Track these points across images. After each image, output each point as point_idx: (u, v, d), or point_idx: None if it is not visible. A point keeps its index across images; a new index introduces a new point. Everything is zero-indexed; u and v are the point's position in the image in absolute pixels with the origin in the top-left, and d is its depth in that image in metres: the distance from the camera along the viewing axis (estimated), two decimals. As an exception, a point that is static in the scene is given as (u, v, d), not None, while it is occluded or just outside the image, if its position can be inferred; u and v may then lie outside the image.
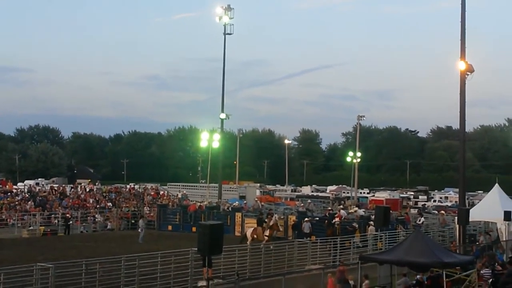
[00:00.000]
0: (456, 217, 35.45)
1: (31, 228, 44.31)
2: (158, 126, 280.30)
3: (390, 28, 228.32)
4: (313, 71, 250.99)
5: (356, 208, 46.62)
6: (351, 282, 22.94)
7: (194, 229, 41.99)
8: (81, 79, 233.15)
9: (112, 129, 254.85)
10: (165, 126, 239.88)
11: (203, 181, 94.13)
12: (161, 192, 63.19)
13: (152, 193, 60.59)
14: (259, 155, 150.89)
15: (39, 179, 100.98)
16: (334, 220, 39.25)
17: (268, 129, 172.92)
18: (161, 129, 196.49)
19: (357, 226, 37.88)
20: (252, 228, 35.47)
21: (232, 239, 35.87)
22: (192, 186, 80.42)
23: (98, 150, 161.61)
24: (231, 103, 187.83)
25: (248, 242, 32.88)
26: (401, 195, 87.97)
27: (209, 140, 66.13)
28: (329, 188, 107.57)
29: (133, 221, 48.11)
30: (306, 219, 39.46)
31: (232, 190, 75.65)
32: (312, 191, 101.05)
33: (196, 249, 21.21)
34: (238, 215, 44.89)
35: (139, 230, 40.93)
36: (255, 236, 34.20)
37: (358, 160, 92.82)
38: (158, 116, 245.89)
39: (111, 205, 53.58)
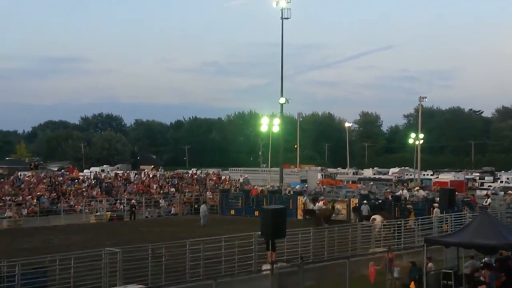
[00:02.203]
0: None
1: (98, 213, 45.40)
2: (218, 111, 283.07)
3: (450, 5, 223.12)
4: (372, 53, 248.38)
5: (418, 188, 45.96)
6: (397, 269, 22.56)
7: (256, 213, 42.24)
8: (140, 67, 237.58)
9: (172, 115, 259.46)
10: (224, 111, 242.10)
11: (264, 166, 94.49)
12: (223, 177, 63.67)
13: (214, 178, 61.10)
14: (320, 139, 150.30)
15: (104, 166, 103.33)
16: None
17: (328, 112, 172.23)
18: (221, 114, 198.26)
19: (412, 208, 37.37)
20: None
21: (295, 222, 35.90)
22: (253, 170, 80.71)
23: (160, 137, 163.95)
24: (290, 87, 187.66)
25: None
26: (466, 177, 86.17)
27: (269, 125, 66.32)
28: (392, 170, 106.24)
29: (196, 206, 48.71)
30: (365, 201, 39.18)
31: (294, 174, 75.60)
32: (374, 174, 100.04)
33: (260, 233, 21.38)
34: (300, 199, 44.84)
35: (201, 215, 41.51)
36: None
37: (421, 141, 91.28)
38: (217, 101, 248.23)
39: (174, 190, 54.33)
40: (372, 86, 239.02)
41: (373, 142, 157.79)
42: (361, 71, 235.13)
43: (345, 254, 25.54)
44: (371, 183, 63.46)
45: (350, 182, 79.34)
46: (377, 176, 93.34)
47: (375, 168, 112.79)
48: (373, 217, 33.17)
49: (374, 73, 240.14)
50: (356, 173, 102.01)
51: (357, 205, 40.49)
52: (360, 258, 24.87)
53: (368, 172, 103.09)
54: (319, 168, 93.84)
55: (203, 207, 42.58)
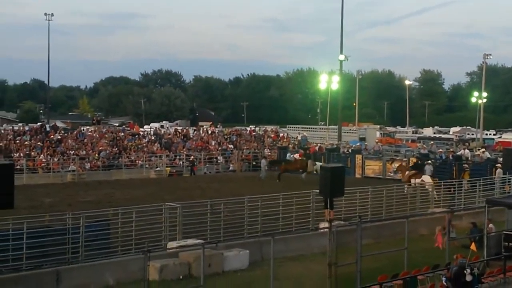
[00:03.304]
0: None
1: (158, 169, 46.18)
2: (277, 68, 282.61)
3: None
4: (434, 9, 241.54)
5: (483, 150, 44.99)
6: (452, 230, 22.15)
7: (314, 171, 42.36)
8: (199, 23, 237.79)
9: (231, 72, 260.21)
10: (283, 68, 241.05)
11: (322, 123, 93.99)
12: (281, 134, 63.68)
13: (272, 135, 61.15)
14: (379, 96, 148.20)
15: (164, 121, 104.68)
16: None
17: (388, 70, 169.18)
18: (280, 71, 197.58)
19: (467, 168, 36.67)
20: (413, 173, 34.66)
21: (353, 181, 35.80)
22: (311, 128, 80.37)
23: (218, 93, 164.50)
24: (349, 44, 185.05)
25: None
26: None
27: (328, 82, 65.79)
28: (452, 129, 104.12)
29: (254, 163, 49.15)
30: (428, 161, 38.58)
31: (352, 132, 75.01)
32: (435, 133, 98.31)
33: (318, 191, 21.36)
34: (358, 157, 44.58)
35: (262, 170, 42.36)
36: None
37: (484, 100, 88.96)
38: (276, 58, 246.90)
39: (233, 147, 54.67)
40: (434, 43, 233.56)
41: (434, 101, 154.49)
42: (423, 28, 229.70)
43: (403, 213, 25.37)
44: (431, 142, 62.48)
45: (410, 141, 78.30)
46: (437, 135, 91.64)
47: (436, 127, 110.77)
48: (422, 177, 32.93)
49: (437, 30, 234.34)
50: (416, 132, 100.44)
51: (416, 164, 39.86)
52: (418, 218, 24.66)
53: (428, 131, 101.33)
54: (378, 126, 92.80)
55: (263, 162, 43.81)
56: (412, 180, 33.35)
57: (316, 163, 40.56)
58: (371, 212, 26.19)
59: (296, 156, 40.61)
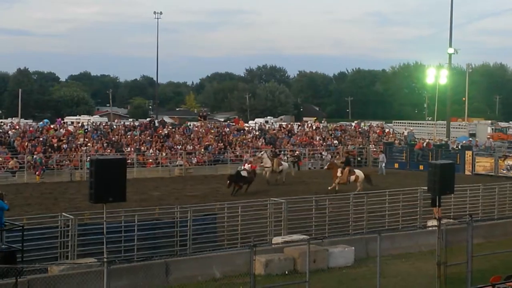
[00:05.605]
0: None
1: (262, 164, 46.38)
2: (382, 63, 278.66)
3: None
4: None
5: None
6: None
7: (421, 167, 41.56)
8: (303, 19, 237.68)
9: (335, 67, 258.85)
10: (388, 62, 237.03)
11: (429, 118, 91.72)
12: (387, 130, 62.60)
13: (378, 131, 60.24)
14: (490, 91, 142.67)
15: (268, 117, 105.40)
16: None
17: (500, 62, 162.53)
18: (385, 66, 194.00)
19: None
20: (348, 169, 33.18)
21: (463, 178, 34.68)
22: (418, 123, 78.54)
23: (322, 89, 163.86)
24: (458, 37, 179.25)
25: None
26: None
27: (436, 76, 64.03)
28: None
29: (359, 159, 48.59)
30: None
31: (461, 128, 72.71)
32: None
33: (426, 188, 20.84)
34: (468, 153, 43.17)
35: (381, 166, 43.45)
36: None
37: None
38: (381, 52, 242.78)
39: (337, 142, 54.30)
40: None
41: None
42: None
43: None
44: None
45: (524, 137, 74.96)
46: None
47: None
48: (356, 173, 32.31)
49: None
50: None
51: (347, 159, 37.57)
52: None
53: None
54: (489, 121, 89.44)
55: (382, 157, 44.37)
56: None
57: (283, 163, 39.35)
58: (482, 211, 25.27)
59: (247, 167, 37.00)
